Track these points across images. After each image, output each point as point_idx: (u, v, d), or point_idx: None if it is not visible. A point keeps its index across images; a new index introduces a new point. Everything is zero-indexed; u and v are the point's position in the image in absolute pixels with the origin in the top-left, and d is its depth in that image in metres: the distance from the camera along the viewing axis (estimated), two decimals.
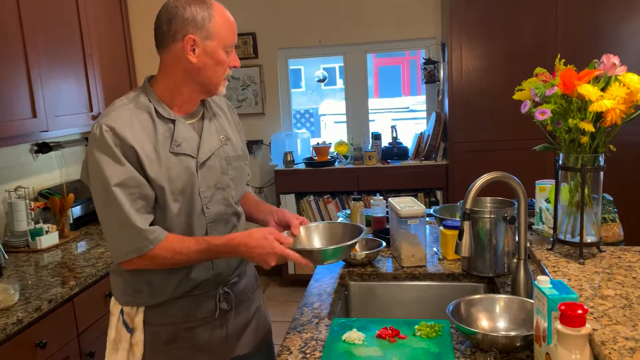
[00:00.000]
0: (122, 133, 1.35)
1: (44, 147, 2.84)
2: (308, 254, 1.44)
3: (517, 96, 1.58)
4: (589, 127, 1.42)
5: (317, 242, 1.58)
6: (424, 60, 4.33)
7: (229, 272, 1.55)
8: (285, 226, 1.57)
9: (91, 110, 2.76)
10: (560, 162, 1.56)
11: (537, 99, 1.50)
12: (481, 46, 3.88)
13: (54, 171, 2.99)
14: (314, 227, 1.59)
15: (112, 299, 1.55)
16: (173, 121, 1.44)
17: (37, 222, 2.55)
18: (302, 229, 1.55)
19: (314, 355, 1.37)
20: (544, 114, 1.44)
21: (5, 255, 2.25)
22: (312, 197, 4.36)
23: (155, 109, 1.42)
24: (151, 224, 1.40)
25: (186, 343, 1.51)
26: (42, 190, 2.81)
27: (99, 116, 1.41)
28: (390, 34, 4.41)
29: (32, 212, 2.58)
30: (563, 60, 1.51)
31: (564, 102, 1.47)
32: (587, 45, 3.72)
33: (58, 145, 2.92)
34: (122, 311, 1.51)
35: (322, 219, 4.37)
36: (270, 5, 4.48)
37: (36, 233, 2.47)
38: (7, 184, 2.61)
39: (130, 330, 1.49)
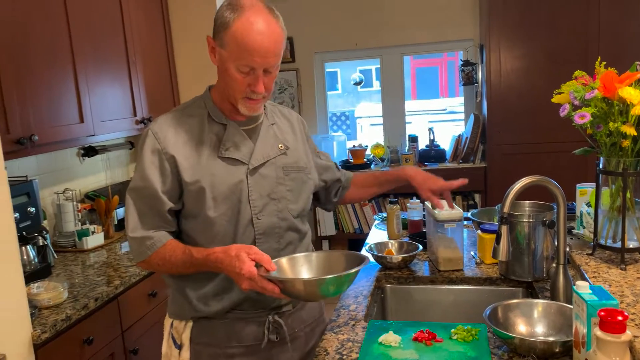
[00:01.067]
0: (163, 138, 1.36)
1: (90, 151, 2.94)
2: (282, 284, 1.24)
3: (555, 99, 1.56)
4: (630, 130, 1.40)
5: (305, 275, 1.37)
6: (462, 62, 4.30)
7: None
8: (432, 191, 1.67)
9: (135, 115, 2.85)
10: (601, 166, 1.54)
11: (576, 103, 1.48)
12: (520, 47, 3.83)
13: (100, 174, 3.10)
14: (303, 258, 1.41)
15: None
16: (224, 125, 1.41)
17: (83, 223, 2.65)
18: (285, 260, 1.38)
19: (350, 356, 1.39)
20: (583, 117, 1.42)
21: (55, 255, 2.35)
22: None
23: (208, 113, 1.42)
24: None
25: None
26: (88, 192, 2.92)
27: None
28: (427, 36, 4.39)
29: (79, 213, 2.68)
30: (604, 63, 1.49)
31: (604, 106, 1.45)
32: (632, 46, 3.62)
33: (104, 149, 3.03)
34: (172, 325, 1.49)
35: (359, 222, 4.38)
36: (307, 10, 4.52)
37: (83, 234, 2.57)
38: (55, 186, 2.72)
39: (178, 347, 1.47)
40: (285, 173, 1.46)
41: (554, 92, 1.57)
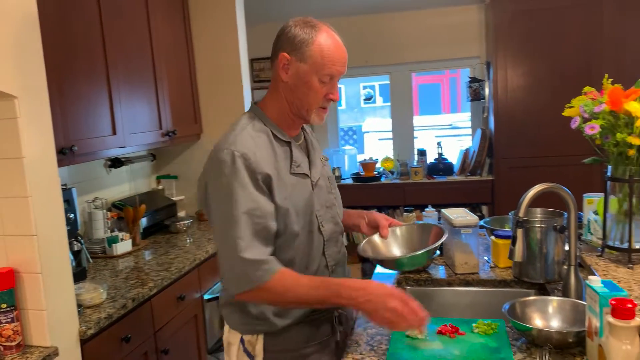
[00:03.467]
0: (254, 159, 1.36)
1: (116, 162, 3.09)
2: (384, 262, 1.53)
3: (566, 113, 1.70)
4: (636, 141, 1.54)
5: (396, 249, 1.67)
6: (469, 79, 4.45)
7: None
8: (375, 227, 1.66)
9: (161, 128, 3.00)
10: (609, 174, 1.67)
11: (586, 115, 1.63)
12: (526, 65, 3.99)
13: (124, 184, 3.24)
14: (396, 231, 1.69)
15: (227, 328, 1.56)
16: (289, 143, 1.47)
17: (112, 231, 2.78)
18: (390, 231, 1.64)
19: (381, 348, 1.51)
20: (593, 129, 1.56)
21: (90, 259, 2.47)
22: None
23: (271, 132, 1.46)
24: (276, 250, 1.43)
25: None
26: (115, 201, 3.05)
27: (221, 142, 1.41)
28: (436, 53, 4.56)
29: (109, 221, 2.81)
30: (610, 79, 1.63)
31: (611, 118, 1.59)
32: (632, 64, 3.78)
33: (128, 161, 3.17)
34: (242, 340, 1.51)
35: None
36: None
37: (113, 240, 2.70)
38: (84, 195, 2.85)
39: (253, 358, 1.51)
40: (330, 182, 1.59)
41: (565, 105, 1.71)
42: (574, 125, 1.65)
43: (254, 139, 1.42)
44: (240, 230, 1.33)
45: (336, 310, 1.58)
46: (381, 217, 1.65)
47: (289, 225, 1.43)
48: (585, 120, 1.63)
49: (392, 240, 1.66)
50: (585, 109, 1.61)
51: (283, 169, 1.44)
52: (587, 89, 1.69)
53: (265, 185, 1.39)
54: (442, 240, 1.55)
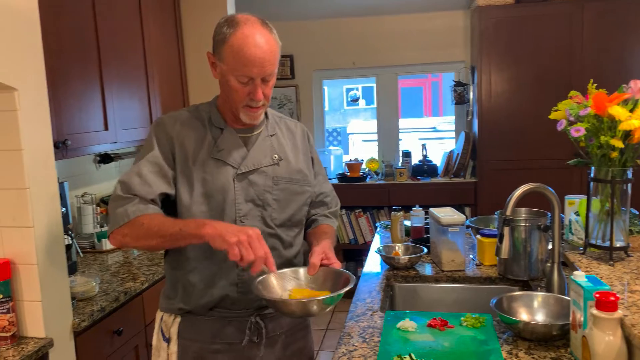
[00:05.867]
0: (168, 127, 1.47)
1: (106, 158, 3.09)
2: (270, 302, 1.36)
3: (553, 115, 1.77)
4: (618, 143, 1.61)
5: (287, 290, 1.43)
6: (454, 83, 4.54)
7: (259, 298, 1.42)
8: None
9: (151, 124, 3.01)
10: (592, 175, 1.75)
11: (571, 119, 1.70)
12: (509, 70, 4.08)
13: (113, 180, 3.24)
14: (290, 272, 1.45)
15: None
16: (222, 130, 1.50)
17: (102, 226, 2.79)
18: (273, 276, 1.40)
19: (373, 339, 1.56)
20: (578, 131, 1.63)
21: (81, 253, 2.48)
22: (344, 211, 4.56)
23: (210, 117, 1.51)
24: None
25: None
26: (103, 197, 3.05)
27: None
28: (422, 57, 4.63)
29: (98, 216, 2.81)
30: (595, 84, 1.71)
31: (596, 122, 1.66)
32: (611, 69, 3.90)
33: (118, 157, 3.17)
34: (162, 319, 1.56)
35: (354, 232, 4.55)
36: (307, 29, 4.74)
37: (102, 235, 2.70)
38: (75, 190, 2.85)
39: (167, 340, 1.54)
40: (274, 182, 1.51)
41: (552, 109, 1.78)
42: (560, 127, 1.72)
43: (188, 117, 1.51)
44: (139, 169, 1.44)
45: (253, 316, 1.52)
46: (316, 257, 1.44)
47: (188, 203, 1.44)
48: (570, 123, 1.69)
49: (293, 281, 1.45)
50: (571, 112, 1.68)
51: (204, 151, 1.47)
52: (572, 93, 1.76)
53: (172, 151, 1.46)
54: (343, 291, 1.32)
